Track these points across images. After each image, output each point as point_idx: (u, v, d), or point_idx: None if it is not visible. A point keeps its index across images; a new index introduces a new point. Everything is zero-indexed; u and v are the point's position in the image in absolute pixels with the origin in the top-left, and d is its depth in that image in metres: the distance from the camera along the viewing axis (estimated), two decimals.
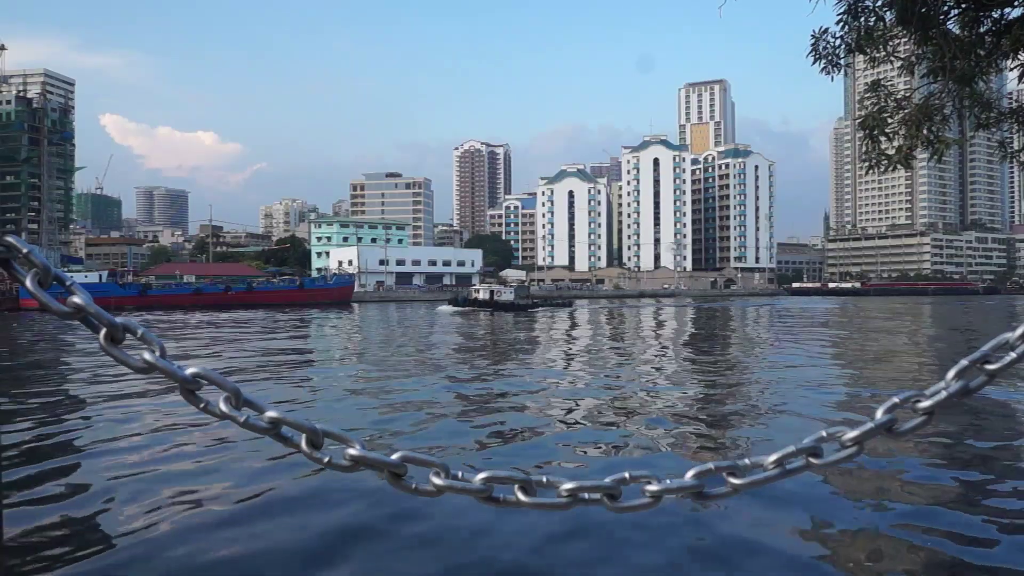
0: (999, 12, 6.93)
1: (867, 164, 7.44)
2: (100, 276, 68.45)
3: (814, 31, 7.41)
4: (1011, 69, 7.14)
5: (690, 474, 1.28)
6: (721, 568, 5.16)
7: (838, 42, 7.34)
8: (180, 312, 56.78)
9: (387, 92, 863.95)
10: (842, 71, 7.62)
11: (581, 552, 5.33)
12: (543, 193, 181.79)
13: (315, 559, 5.22)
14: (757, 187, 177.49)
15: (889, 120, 7.32)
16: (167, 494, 6.73)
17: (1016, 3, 6.81)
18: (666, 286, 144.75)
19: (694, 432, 9.95)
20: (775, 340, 27.94)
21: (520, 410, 11.57)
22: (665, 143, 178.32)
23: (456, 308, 58.14)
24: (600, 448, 8.89)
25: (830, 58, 7.37)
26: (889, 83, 7.67)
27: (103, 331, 1.18)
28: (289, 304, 69.57)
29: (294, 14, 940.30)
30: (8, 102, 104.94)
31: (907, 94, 7.68)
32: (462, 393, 13.48)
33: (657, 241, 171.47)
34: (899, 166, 7.48)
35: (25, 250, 1.13)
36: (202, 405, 1.25)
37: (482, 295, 62.05)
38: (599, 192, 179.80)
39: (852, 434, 1.24)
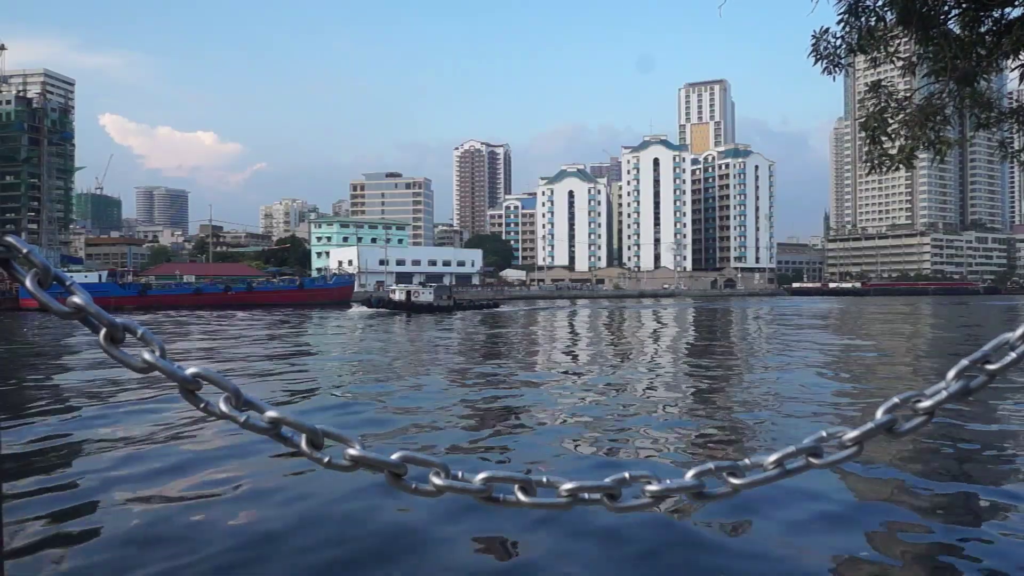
0: (999, 12, 6.92)
1: (869, 165, 7.43)
2: (100, 276, 68.42)
3: (815, 31, 7.40)
4: (1012, 69, 7.13)
5: (690, 474, 1.28)
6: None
7: (839, 42, 7.33)
8: (184, 311, 56.81)
9: (387, 92, 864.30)
10: (843, 71, 7.61)
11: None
12: (543, 193, 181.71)
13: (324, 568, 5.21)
14: (757, 187, 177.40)
15: (890, 121, 7.32)
16: (169, 494, 6.73)
17: (1016, 3, 6.81)
18: (666, 286, 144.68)
19: (694, 432, 9.95)
20: (775, 342, 27.93)
21: (519, 411, 11.57)
22: (665, 143, 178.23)
23: (370, 310, 54.45)
24: (600, 448, 8.88)
25: (831, 58, 7.36)
26: (890, 83, 7.66)
27: (103, 331, 1.18)
28: (289, 304, 69.56)
29: (294, 14, 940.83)
30: (8, 102, 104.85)
31: (908, 94, 7.67)
32: (459, 394, 13.47)
33: (657, 241, 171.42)
34: (901, 166, 7.47)
35: (25, 250, 1.13)
36: (202, 405, 1.24)
37: (397, 296, 58.00)
38: (599, 192, 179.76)
39: (852, 434, 1.24)
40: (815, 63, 7.46)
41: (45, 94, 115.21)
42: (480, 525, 5.71)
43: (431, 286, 63.65)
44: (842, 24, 7.29)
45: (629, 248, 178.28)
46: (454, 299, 61.63)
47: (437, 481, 1.27)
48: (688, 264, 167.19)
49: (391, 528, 5.76)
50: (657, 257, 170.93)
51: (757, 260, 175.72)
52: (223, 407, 1.23)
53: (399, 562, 5.14)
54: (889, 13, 7.17)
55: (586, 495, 1.28)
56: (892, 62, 7.52)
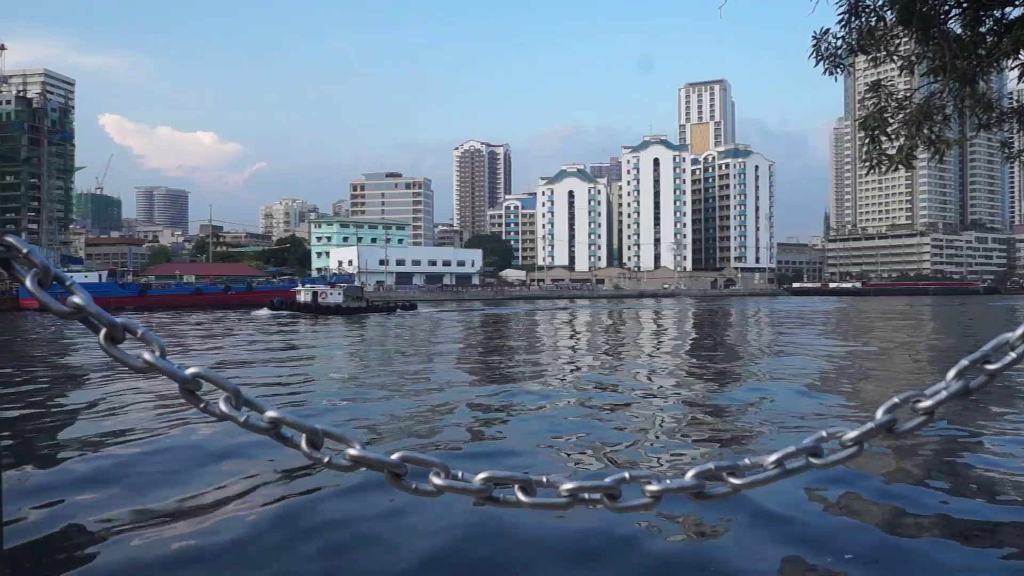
0: (999, 12, 6.92)
1: (868, 165, 7.44)
2: (100, 276, 68.45)
3: (815, 31, 7.41)
4: (1011, 69, 7.13)
5: (690, 474, 1.28)
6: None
7: (839, 42, 7.34)
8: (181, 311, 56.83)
9: (387, 92, 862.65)
10: (843, 71, 7.62)
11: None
12: (543, 193, 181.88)
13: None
14: (757, 187, 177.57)
15: (890, 120, 7.32)
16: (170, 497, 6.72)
17: (1017, 2, 6.81)
18: (666, 286, 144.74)
19: (694, 432, 9.95)
20: (776, 342, 27.94)
21: (519, 410, 11.56)
22: (665, 143, 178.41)
23: (274, 312, 51.20)
24: (600, 448, 8.88)
25: (832, 59, 7.36)
26: (890, 83, 7.66)
27: (103, 331, 1.18)
28: None
29: (294, 14, 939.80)
30: (8, 102, 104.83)
31: (908, 94, 7.68)
32: (459, 393, 13.47)
33: (657, 241, 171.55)
34: (900, 166, 7.47)
35: (25, 250, 1.14)
36: (202, 405, 1.25)
37: (303, 297, 54.58)
38: (599, 192, 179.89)
39: (852, 434, 1.24)
40: (816, 63, 7.46)
41: (45, 94, 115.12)
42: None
43: (341, 286, 58.86)
44: (842, 24, 7.29)
45: (629, 248, 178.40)
46: (367, 300, 57.41)
47: (437, 481, 1.28)
48: (688, 264, 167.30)
49: None
50: (657, 257, 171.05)
51: (757, 260, 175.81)
52: (223, 407, 1.23)
53: None
54: (889, 13, 7.17)
55: (586, 495, 1.28)
56: (892, 61, 7.53)
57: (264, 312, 50.95)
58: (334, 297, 53.84)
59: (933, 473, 7.39)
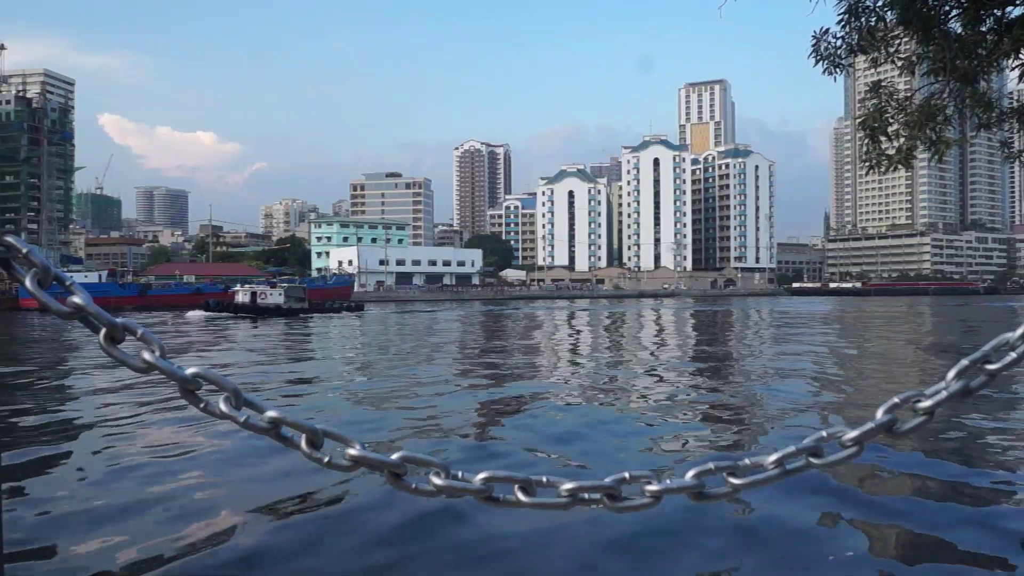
0: (1000, 12, 6.92)
1: (867, 164, 7.44)
2: (100, 276, 68.56)
3: (815, 32, 7.41)
4: (1011, 68, 7.13)
5: (690, 474, 1.28)
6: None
7: (839, 43, 7.34)
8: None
9: (386, 92, 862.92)
10: (843, 72, 7.62)
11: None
12: (543, 193, 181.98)
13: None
14: (757, 187, 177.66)
15: (890, 121, 7.32)
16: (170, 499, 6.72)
17: (1017, 2, 6.81)
18: (666, 286, 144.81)
19: (694, 432, 9.95)
20: (775, 342, 27.92)
21: (518, 410, 11.56)
22: (665, 143, 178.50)
23: (210, 313, 48.81)
24: (600, 448, 8.88)
25: (832, 59, 7.36)
26: (889, 84, 7.66)
27: (103, 331, 1.18)
28: None
29: (294, 14, 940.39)
30: (8, 102, 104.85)
31: (908, 94, 7.68)
32: (458, 393, 13.46)
33: (657, 241, 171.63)
34: (899, 166, 7.47)
35: (25, 250, 1.14)
36: (202, 405, 1.25)
37: (241, 298, 51.58)
38: (599, 192, 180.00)
39: (852, 434, 1.24)
40: (816, 64, 7.46)
41: (45, 94, 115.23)
42: None
43: (282, 286, 55.63)
44: (842, 25, 7.29)
45: (629, 248, 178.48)
46: (308, 300, 55.03)
47: (437, 481, 1.28)
48: (688, 264, 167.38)
49: None
50: (657, 257, 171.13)
51: (757, 260, 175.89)
52: (223, 407, 1.24)
53: None
54: (889, 13, 7.17)
55: (586, 495, 1.28)
56: (893, 62, 7.53)
57: (200, 314, 48.48)
58: (274, 298, 51.53)
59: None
